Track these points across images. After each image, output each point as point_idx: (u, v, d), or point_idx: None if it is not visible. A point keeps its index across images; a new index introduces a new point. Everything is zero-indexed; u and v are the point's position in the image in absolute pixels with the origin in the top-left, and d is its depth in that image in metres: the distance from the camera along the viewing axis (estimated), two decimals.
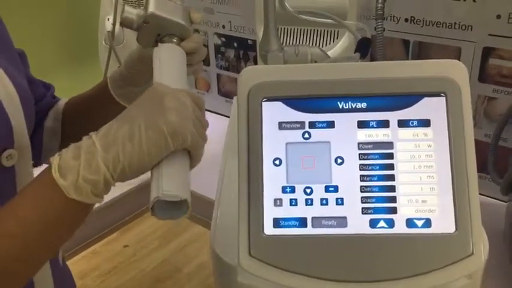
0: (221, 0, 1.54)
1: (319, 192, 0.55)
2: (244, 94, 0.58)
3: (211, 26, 1.58)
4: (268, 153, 0.57)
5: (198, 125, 0.54)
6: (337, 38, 1.03)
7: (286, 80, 0.57)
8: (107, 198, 0.53)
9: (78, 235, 0.70)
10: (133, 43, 0.71)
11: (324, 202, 0.55)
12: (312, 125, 0.57)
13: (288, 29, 1.07)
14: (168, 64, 0.61)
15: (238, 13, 1.53)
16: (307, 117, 0.57)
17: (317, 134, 0.57)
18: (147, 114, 0.52)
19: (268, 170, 0.56)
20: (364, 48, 0.79)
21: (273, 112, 0.57)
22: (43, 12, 1.62)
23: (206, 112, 0.59)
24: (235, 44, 1.56)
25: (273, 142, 0.57)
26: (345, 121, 0.56)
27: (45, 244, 0.52)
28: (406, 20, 1.15)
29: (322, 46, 1.02)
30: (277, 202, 0.56)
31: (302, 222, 0.55)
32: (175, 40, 0.67)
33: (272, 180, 0.56)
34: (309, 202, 0.55)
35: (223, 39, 1.58)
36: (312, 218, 0.55)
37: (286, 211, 0.55)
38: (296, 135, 0.57)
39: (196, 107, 0.55)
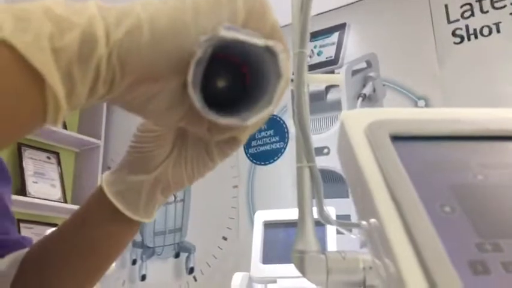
0: None
1: None
2: (358, 133, 0.36)
3: None
4: (427, 199, 0.31)
5: None
6: None
7: (418, 118, 0.37)
8: None
9: None
10: None
11: None
12: (484, 165, 0.34)
13: None
14: None
15: None
16: (470, 157, 0.34)
17: (495, 174, 0.33)
18: None
19: (437, 220, 0.30)
20: None
21: (414, 152, 0.35)
22: None
23: None
24: None
25: (428, 185, 0.32)
26: None
27: None
28: None
29: None
30: (479, 267, 0.27)
31: None
32: None
33: (451, 234, 0.29)
34: None
35: None
36: None
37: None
38: (462, 176, 0.33)
39: None
